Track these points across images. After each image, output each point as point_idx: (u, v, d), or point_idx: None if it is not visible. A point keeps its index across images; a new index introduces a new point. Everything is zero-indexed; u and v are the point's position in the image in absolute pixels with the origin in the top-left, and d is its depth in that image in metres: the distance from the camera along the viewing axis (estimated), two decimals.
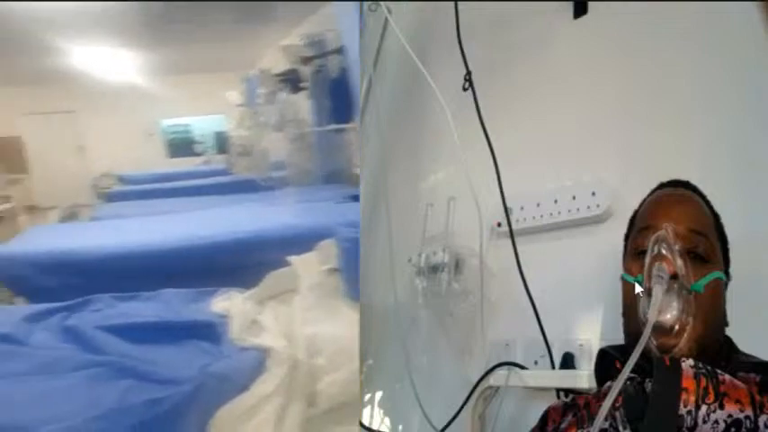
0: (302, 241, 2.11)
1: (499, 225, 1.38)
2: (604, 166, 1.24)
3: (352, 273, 1.78)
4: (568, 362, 1.18)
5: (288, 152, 4.45)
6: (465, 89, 1.46)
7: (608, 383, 0.83)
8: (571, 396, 1.05)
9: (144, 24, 4.57)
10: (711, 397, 0.69)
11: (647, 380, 0.74)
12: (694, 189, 0.90)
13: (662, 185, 0.92)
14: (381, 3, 1.69)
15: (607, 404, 0.72)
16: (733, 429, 0.68)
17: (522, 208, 1.35)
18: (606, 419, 0.75)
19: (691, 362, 0.73)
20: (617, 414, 0.75)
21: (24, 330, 1.80)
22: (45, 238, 3.06)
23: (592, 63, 1.34)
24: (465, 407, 1.28)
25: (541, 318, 1.22)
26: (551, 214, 1.29)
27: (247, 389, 1.51)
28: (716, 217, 0.88)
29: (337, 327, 1.69)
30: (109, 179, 6.25)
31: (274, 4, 4.02)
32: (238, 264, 2.67)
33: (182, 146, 8.26)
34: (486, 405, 1.29)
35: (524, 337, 1.28)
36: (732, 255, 0.88)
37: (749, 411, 0.69)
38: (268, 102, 4.47)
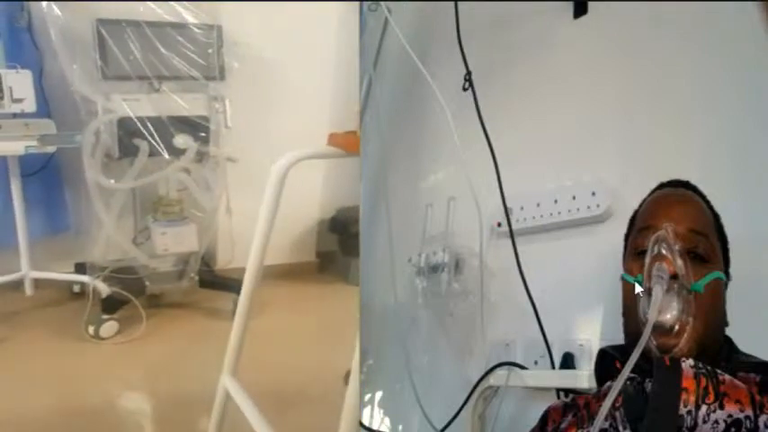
0: None
1: (499, 225, 1.38)
2: (604, 166, 1.24)
3: None
4: (568, 362, 1.18)
5: None
6: (465, 89, 1.46)
7: (608, 383, 0.83)
8: (571, 396, 1.05)
9: None
10: (711, 397, 0.69)
11: (647, 380, 0.74)
12: (694, 189, 0.90)
13: (662, 185, 0.92)
14: (381, 3, 1.69)
15: (607, 404, 0.72)
16: (733, 429, 0.68)
17: (522, 208, 1.35)
18: (606, 419, 0.75)
19: (691, 362, 0.73)
20: (617, 414, 0.75)
21: None
22: None
23: (592, 63, 1.34)
24: (465, 407, 1.28)
25: (541, 318, 1.22)
26: (551, 214, 1.29)
27: None
28: (716, 217, 0.88)
29: None
30: None
31: None
32: None
33: None
34: (486, 405, 1.29)
35: (524, 337, 1.28)
36: (732, 255, 0.88)
37: (749, 411, 0.69)
38: None
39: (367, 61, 1.86)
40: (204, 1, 2.29)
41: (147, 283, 2.47)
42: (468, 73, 1.46)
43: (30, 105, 2.16)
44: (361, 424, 1.56)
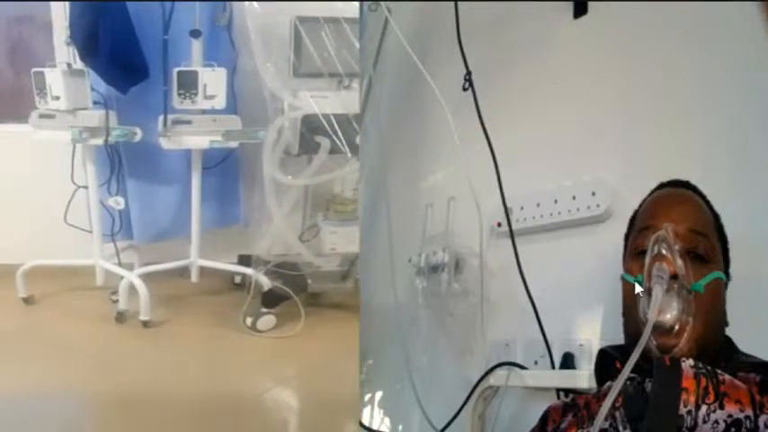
0: None
1: (499, 225, 1.38)
2: (604, 166, 1.24)
3: None
4: (568, 362, 1.18)
5: None
6: (465, 89, 1.46)
7: (608, 383, 0.83)
8: (571, 396, 1.05)
9: None
10: (711, 397, 0.69)
11: (647, 380, 0.74)
12: (694, 189, 0.90)
13: (662, 185, 0.92)
14: (381, 3, 1.69)
15: (607, 404, 0.72)
16: (733, 429, 0.68)
17: (522, 208, 1.35)
18: (606, 419, 0.75)
19: (691, 362, 0.73)
20: (617, 414, 0.75)
21: None
22: None
23: (592, 63, 1.34)
24: (465, 407, 1.28)
25: (541, 318, 1.22)
26: (551, 214, 1.29)
27: None
28: (716, 217, 0.88)
29: None
30: None
31: None
32: None
33: None
34: (486, 405, 1.29)
35: (524, 337, 1.28)
36: (732, 255, 0.88)
37: (749, 411, 0.69)
38: None
39: (367, 61, 1.86)
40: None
41: (310, 280, 2.42)
42: (468, 73, 1.46)
43: (220, 102, 2.25)
44: (361, 424, 1.56)
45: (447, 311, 1.46)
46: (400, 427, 1.59)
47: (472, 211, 1.38)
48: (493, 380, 1.25)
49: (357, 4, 1.88)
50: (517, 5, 1.49)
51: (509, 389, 1.24)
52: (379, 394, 1.66)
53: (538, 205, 1.32)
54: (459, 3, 1.49)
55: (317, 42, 2.10)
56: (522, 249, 1.28)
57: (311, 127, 2.12)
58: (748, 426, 0.68)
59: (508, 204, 1.33)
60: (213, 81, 2.21)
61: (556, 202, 1.29)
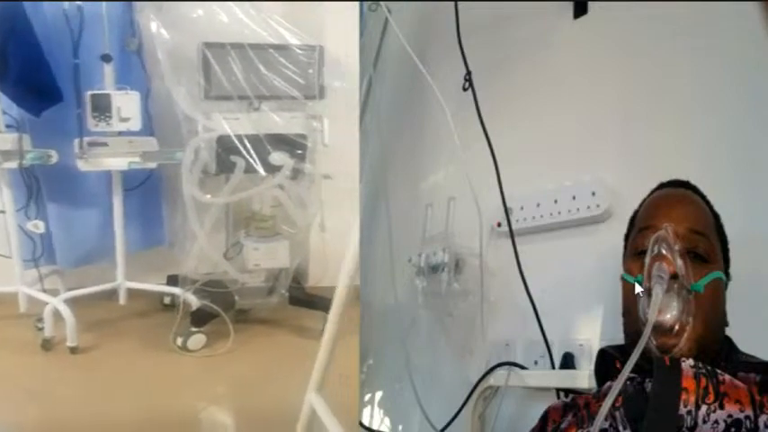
0: None
1: (499, 225, 1.38)
2: (604, 166, 1.24)
3: None
4: (568, 362, 1.18)
5: None
6: (465, 89, 1.46)
7: (608, 383, 0.83)
8: (571, 396, 1.05)
9: None
10: (711, 397, 0.69)
11: (647, 380, 0.74)
12: (694, 189, 0.90)
13: (662, 185, 0.92)
14: (381, 3, 1.69)
15: (607, 404, 0.72)
16: (733, 429, 0.68)
17: (522, 208, 1.35)
18: (606, 419, 0.75)
19: (691, 362, 0.73)
20: (617, 414, 0.75)
21: None
22: None
23: (592, 63, 1.34)
24: (465, 407, 1.28)
25: (541, 318, 1.22)
26: (551, 214, 1.29)
27: None
28: (716, 217, 0.88)
29: None
30: None
31: None
32: None
33: None
34: (486, 405, 1.29)
35: (524, 337, 1.28)
36: (732, 255, 0.88)
37: (749, 411, 0.69)
38: None
39: (367, 61, 1.86)
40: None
41: (237, 297, 2.47)
42: (468, 73, 1.46)
43: (135, 124, 2.29)
44: (361, 424, 1.56)
45: (447, 311, 1.46)
46: (400, 427, 1.59)
47: (472, 211, 1.38)
48: (493, 380, 1.25)
49: (357, 3, 1.88)
50: (517, 5, 1.49)
51: (509, 389, 1.24)
52: (379, 394, 1.66)
53: (538, 205, 1.32)
54: (459, 3, 1.49)
55: (224, 67, 2.20)
56: (522, 249, 1.28)
57: (226, 147, 2.21)
58: (748, 426, 0.68)
59: (508, 204, 1.33)
60: (127, 104, 2.26)
61: (556, 202, 1.29)
